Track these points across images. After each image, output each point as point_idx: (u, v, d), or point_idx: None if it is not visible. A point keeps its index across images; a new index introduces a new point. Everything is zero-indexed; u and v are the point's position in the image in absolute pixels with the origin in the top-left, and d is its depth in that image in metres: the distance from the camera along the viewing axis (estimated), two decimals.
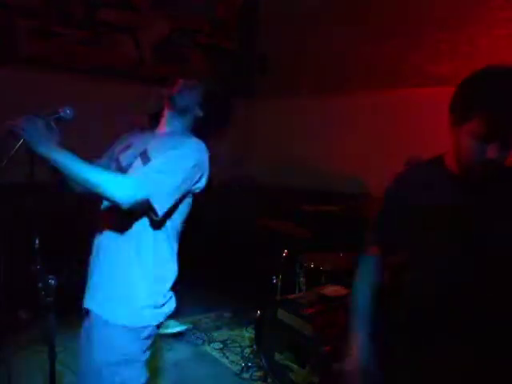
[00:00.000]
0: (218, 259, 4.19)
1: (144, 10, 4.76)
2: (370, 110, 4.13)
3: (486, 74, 1.26)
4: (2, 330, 3.02)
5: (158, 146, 1.61)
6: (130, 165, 1.63)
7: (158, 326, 1.66)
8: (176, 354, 3.21)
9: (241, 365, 3.09)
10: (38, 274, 1.45)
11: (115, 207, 1.47)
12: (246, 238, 4.17)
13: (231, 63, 5.53)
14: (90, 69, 4.36)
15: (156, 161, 1.55)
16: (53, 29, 4.21)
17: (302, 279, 3.26)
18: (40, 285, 1.45)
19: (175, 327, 3.50)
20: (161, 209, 1.49)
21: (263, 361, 2.88)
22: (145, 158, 1.60)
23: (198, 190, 1.66)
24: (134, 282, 1.59)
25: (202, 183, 1.66)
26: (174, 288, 1.72)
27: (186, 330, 3.56)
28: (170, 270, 1.67)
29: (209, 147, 1.67)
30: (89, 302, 1.66)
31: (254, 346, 3.05)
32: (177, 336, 3.47)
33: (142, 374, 1.64)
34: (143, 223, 1.58)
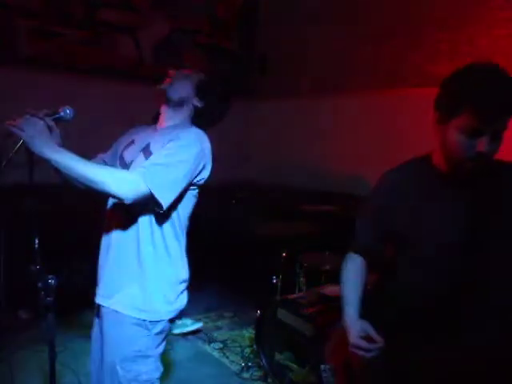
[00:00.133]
0: (217, 259, 4.19)
1: (144, 10, 4.76)
2: (370, 110, 4.13)
3: (471, 70, 1.26)
4: (2, 330, 3.02)
5: (159, 140, 1.61)
6: (133, 161, 1.64)
7: (171, 321, 1.67)
8: (176, 353, 3.21)
9: (241, 365, 3.09)
10: (38, 274, 1.45)
11: (120, 205, 1.48)
12: (246, 237, 4.17)
13: (231, 63, 5.53)
14: (90, 69, 4.36)
15: (157, 154, 1.55)
16: (53, 29, 4.21)
17: (301, 279, 3.26)
18: (40, 285, 1.45)
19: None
20: (165, 202, 1.49)
21: (263, 361, 2.88)
22: (147, 152, 1.61)
23: (202, 181, 1.65)
24: (143, 277, 1.60)
25: (206, 173, 1.64)
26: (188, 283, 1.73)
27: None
28: (180, 265, 1.68)
29: (211, 138, 1.66)
30: (101, 298, 1.68)
31: (254, 346, 3.05)
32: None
33: (155, 369, 1.65)
34: (150, 219, 1.59)
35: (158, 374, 1.66)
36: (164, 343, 1.69)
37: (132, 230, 1.60)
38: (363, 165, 4.02)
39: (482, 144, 1.21)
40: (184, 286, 1.71)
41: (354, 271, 1.59)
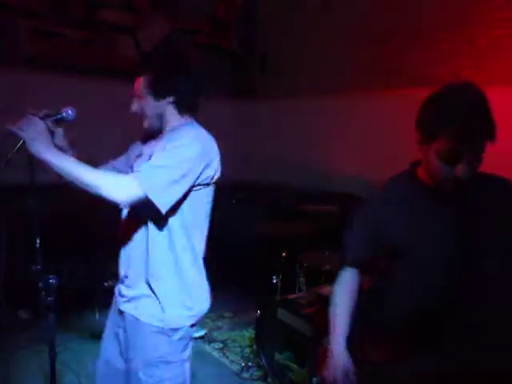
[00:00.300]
0: (217, 259, 4.19)
1: (144, 10, 4.76)
2: (370, 110, 4.13)
3: (448, 93, 1.26)
4: (2, 330, 3.02)
5: (160, 145, 1.59)
6: None
7: (193, 326, 1.65)
8: None
9: (241, 365, 3.09)
10: (39, 274, 1.45)
11: (132, 212, 1.48)
12: (246, 237, 4.17)
13: (231, 63, 5.53)
14: (90, 69, 4.36)
15: (154, 156, 1.52)
16: (53, 29, 4.21)
17: (301, 279, 3.26)
18: (41, 285, 1.45)
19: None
20: (162, 205, 1.45)
21: (263, 361, 2.88)
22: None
23: (208, 180, 1.59)
24: (158, 285, 1.59)
25: (211, 172, 1.59)
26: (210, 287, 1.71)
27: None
28: (195, 269, 1.64)
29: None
30: (122, 304, 1.68)
31: (254, 346, 3.05)
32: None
33: (180, 374, 1.63)
34: (159, 225, 1.57)
35: (181, 379, 1.64)
36: (189, 348, 1.67)
37: (143, 237, 1.59)
38: (363, 165, 4.02)
39: (460, 169, 1.23)
40: (202, 289, 1.68)
41: (346, 292, 1.58)
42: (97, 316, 3.69)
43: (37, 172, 1.45)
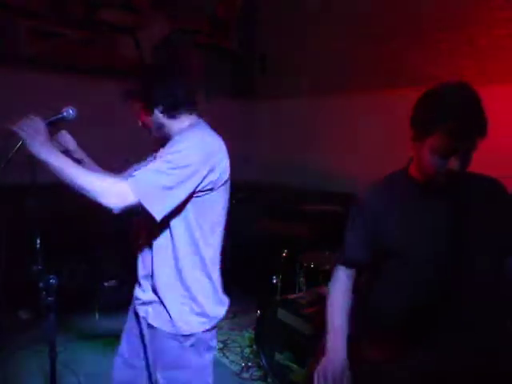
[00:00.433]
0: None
1: (144, 10, 4.76)
2: (370, 109, 4.13)
3: (443, 91, 1.31)
4: (2, 330, 3.02)
5: (163, 151, 1.56)
6: None
7: (207, 331, 1.61)
8: None
9: (241, 365, 3.09)
10: (39, 274, 1.45)
11: (144, 219, 1.46)
12: (246, 237, 4.17)
13: (231, 63, 5.53)
14: (90, 69, 4.36)
15: (152, 163, 1.48)
16: (53, 29, 4.21)
17: (301, 279, 3.26)
18: (41, 284, 1.45)
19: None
20: (156, 212, 1.41)
21: (263, 361, 2.88)
22: None
23: (210, 185, 1.52)
24: (164, 291, 1.58)
25: (214, 176, 1.52)
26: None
27: None
28: (203, 277, 1.59)
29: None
30: (138, 307, 1.69)
31: (254, 346, 3.05)
32: None
33: (196, 381, 1.61)
34: (164, 232, 1.55)
35: None
36: (207, 353, 1.63)
37: (150, 242, 1.58)
38: (363, 165, 4.02)
39: (453, 163, 1.28)
40: (213, 295, 1.63)
41: (341, 292, 1.60)
42: (97, 316, 3.69)
43: (37, 172, 1.45)
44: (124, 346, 1.79)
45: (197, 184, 1.47)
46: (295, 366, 2.70)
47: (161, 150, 1.65)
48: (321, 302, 2.78)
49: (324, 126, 4.60)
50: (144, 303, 1.66)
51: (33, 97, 3.41)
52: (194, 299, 1.58)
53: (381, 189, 1.54)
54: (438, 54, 3.69)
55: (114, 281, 3.85)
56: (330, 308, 1.58)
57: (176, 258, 1.55)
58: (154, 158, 1.67)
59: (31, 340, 3.02)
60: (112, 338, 3.41)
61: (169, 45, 4.82)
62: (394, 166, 1.57)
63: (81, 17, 4.37)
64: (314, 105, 4.72)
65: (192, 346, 1.58)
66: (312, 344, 2.54)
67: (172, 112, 1.58)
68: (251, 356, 3.14)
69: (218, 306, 1.65)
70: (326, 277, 3.10)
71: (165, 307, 1.58)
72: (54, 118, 1.50)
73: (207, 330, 1.60)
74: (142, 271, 1.66)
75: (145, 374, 1.73)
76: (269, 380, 2.88)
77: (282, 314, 2.79)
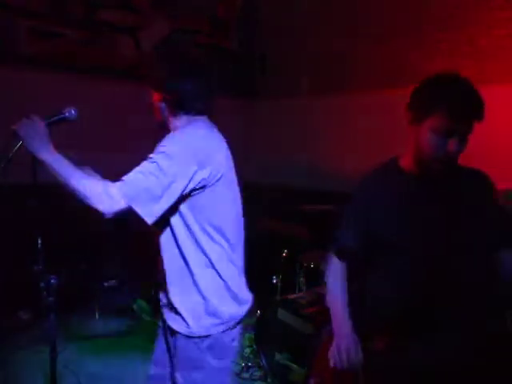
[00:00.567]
0: None
1: (144, 10, 4.76)
2: (370, 109, 4.13)
3: (444, 77, 1.41)
4: (2, 330, 3.02)
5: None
6: None
7: (227, 331, 1.59)
8: None
9: (241, 365, 3.08)
10: (40, 274, 1.45)
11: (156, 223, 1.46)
12: (246, 237, 4.17)
13: (231, 63, 5.53)
14: (90, 69, 4.36)
15: (141, 164, 1.45)
16: (53, 29, 4.21)
17: (301, 279, 3.26)
18: (42, 284, 1.45)
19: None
20: (147, 215, 1.40)
21: (263, 361, 2.88)
22: None
23: (202, 184, 1.48)
24: (174, 294, 1.59)
25: (205, 174, 1.47)
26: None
27: None
28: (211, 277, 1.56)
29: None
30: (163, 311, 1.70)
31: (254, 346, 3.05)
32: None
33: (213, 380, 1.60)
34: (167, 234, 1.55)
35: None
36: (227, 354, 1.62)
37: (164, 247, 1.58)
38: (363, 165, 4.01)
39: (452, 144, 1.33)
40: (226, 294, 1.59)
41: (338, 274, 1.65)
42: (97, 316, 3.69)
43: (38, 172, 1.45)
44: (155, 350, 1.80)
45: (185, 183, 1.44)
46: (295, 365, 2.70)
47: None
48: (321, 302, 2.78)
49: (324, 125, 4.60)
50: (164, 305, 1.67)
51: (33, 97, 3.41)
52: (205, 299, 1.56)
53: (372, 180, 1.60)
54: (437, 54, 3.69)
55: (114, 281, 3.85)
56: (329, 296, 1.64)
57: (182, 258, 1.55)
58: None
59: (31, 340, 3.02)
60: (112, 338, 3.42)
61: (169, 45, 4.82)
62: None
63: (81, 17, 4.37)
64: (314, 105, 4.72)
65: (209, 347, 1.56)
66: (312, 344, 2.54)
67: (176, 109, 1.58)
68: (251, 356, 3.14)
69: (233, 306, 1.60)
70: None
71: (178, 309, 1.58)
72: (56, 118, 1.50)
73: (224, 332, 1.58)
74: (159, 273, 1.66)
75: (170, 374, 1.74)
76: (269, 380, 2.88)
77: (282, 314, 2.79)
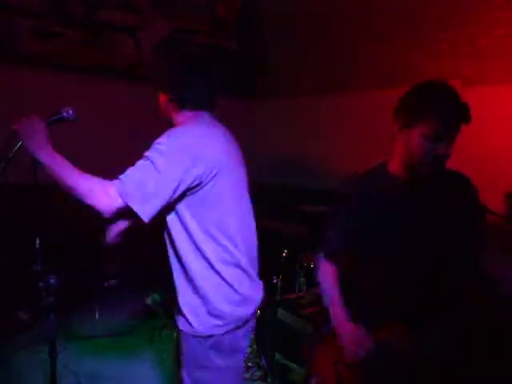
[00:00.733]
0: None
1: (144, 10, 4.76)
2: (370, 109, 4.13)
3: (432, 83, 1.44)
4: (2, 330, 3.02)
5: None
6: None
7: (231, 332, 1.58)
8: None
9: None
10: (39, 274, 1.45)
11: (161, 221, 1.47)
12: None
13: (231, 63, 5.53)
14: (90, 69, 4.36)
15: (137, 162, 1.45)
16: (53, 29, 4.21)
17: (302, 279, 3.26)
18: (41, 285, 1.45)
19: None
20: (143, 213, 1.40)
21: (263, 361, 2.88)
22: None
23: (197, 181, 1.46)
24: (182, 292, 1.59)
25: (197, 172, 1.45)
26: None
27: None
28: (211, 277, 1.55)
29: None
30: (174, 310, 1.70)
31: (254, 346, 3.05)
32: None
33: (218, 380, 1.60)
34: (168, 234, 1.57)
35: None
36: (232, 355, 1.61)
37: (169, 247, 1.60)
38: (363, 165, 4.01)
39: (441, 148, 1.38)
40: (228, 295, 1.57)
41: (328, 274, 1.72)
42: (97, 316, 3.69)
43: (38, 172, 1.45)
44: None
45: (179, 180, 1.43)
46: (295, 365, 2.70)
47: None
48: (321, 302, 2.78)
49: (324, 125, 4.60)
50: (175, 304, 1.67)
51: (33, 97, 3.41)
52: (206, 300, 1.55)
53: (362, 183, 1.63)
54: (437, 54, 3.69)
55: (114, 281, 3.85)
56: (323, 289, 1.71)
57: (181, 258, 1.55)
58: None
59: (31, 340, 3.02)
60: (112, 338, 3.42)
61: (169, 45, 4.82)
62: None
63: (81, 17, 4.37)
64: (314, 105, 4.72)
65: (212, 346, 1.56)
66: (312, 344, 2.54)
67: (178, 106, 1.60)
68: (251, 356, 3.14)
69: (236, 306, 1.59)
70: None
71: (182, 308, 1.59)
72: (54, 118, 1.50)
73: (227, 332, 1.57)
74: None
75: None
76: (269, 380, 2.88)
77: (282, 314, 2.79)
